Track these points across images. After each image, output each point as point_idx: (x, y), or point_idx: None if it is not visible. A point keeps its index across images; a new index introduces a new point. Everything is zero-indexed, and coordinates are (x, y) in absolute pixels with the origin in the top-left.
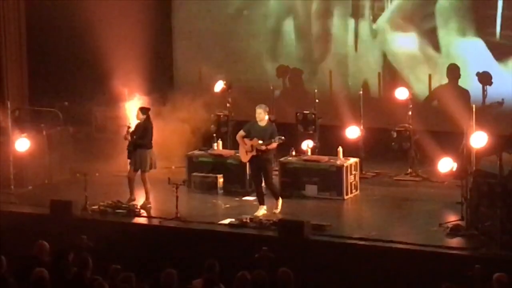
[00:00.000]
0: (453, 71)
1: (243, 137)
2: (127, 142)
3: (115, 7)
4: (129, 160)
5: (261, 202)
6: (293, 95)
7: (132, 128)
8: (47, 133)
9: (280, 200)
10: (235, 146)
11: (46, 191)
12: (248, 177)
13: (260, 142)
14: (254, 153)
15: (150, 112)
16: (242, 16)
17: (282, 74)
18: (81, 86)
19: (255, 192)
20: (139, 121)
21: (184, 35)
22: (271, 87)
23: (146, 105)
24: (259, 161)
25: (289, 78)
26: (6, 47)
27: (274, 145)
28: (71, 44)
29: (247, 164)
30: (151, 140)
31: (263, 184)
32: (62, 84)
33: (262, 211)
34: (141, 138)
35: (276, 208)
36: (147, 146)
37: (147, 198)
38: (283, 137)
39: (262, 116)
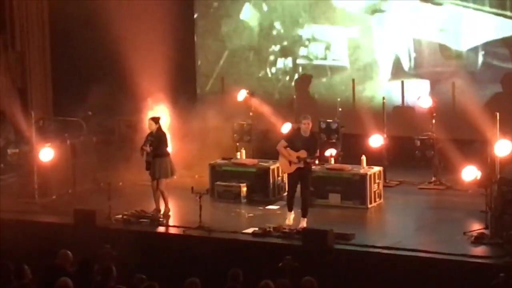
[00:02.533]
0: None
1: (285, 147)
2: (143, 153)
3: (139, 18)
4: (148, 171)
5: (291, 209)
6: (314, 104)
7: (150, 139)
8: (71, 142)
9: (306, 220)
10: (258, 155)
11: (70, 200)
12: (271, 186)
13: (303, 154)
14: (301, 165)
15: (171, 121)
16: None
17: (304, 83)
18: (104, 96)
19: (287, 200)
20: (151, 131)
21: (207, 44)
22: (294, 96)
23: (167, 113)
24: (302, 171)
25: (310, 87)
26: (30, 58)
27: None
28: (95, 54)
29: (288, 174)
30: (167, 147)
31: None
32: (85, 94)
33: (292, 217)
34: (158, 147)
35: (302, 222)
36: (164, 154)
37: (166, 205)
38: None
39: (310, 127)
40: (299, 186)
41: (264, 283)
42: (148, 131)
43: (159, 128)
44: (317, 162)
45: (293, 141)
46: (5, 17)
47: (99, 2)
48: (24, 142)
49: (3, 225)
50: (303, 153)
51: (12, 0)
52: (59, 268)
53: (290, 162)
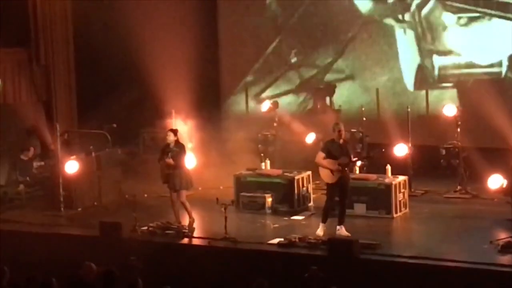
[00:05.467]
0: None
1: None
2: (165, 165)
3: (163, 30)
4: (167, 184)
5: (326, 220)
6: (338, 113)
7: (174, 150)
8: (96, 155)
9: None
10: (283, 165)
11: (95, 212)
12: (296, 197)
13: (344, 160)
14: (344, 172)
15: (192, 132)
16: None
17: (328, 92)
18: (129, 108)
19: (326, 210)
20: (169, 142)
21: (231, 56)
22: (318, 106)
23: (191, 126)
24: (344, 179)
25: (334, 96)
26: (55, 72)
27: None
28: (119, 66)
29: (329, 185)
30: (185, 159)
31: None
32: (110, 106)
33: (324, 229)
34: (179, 159)
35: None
36: (184, 166)
37: (190, 216)
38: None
39: (343, 133)
40: None
41: None
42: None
43: (178, 140)
44: (359, 163)
45: (330, 150)
46: (29, 31)
47: (124, 14)
48: (50, 155)
49: (30, 238)
50: (344, 160)
51: (36, 14)
52: (83, 281)
53: (332, 172)
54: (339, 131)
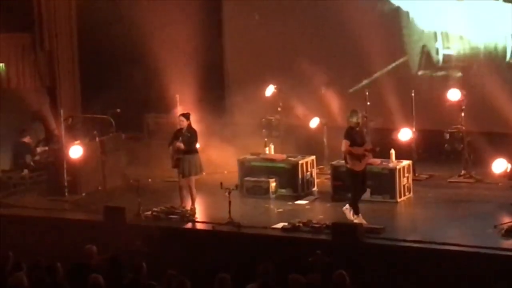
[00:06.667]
0: None
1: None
2: (175, 149)
3: (166, 15)
4: (176, 169)
5: (359, 211)
6: (343, 98)
7: (186, 135)
8: (100, 140)
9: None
10: (287, 150)
11: (99, 197)
12: (300, 181)
13: (368, 146)
14: (370, 157)
15: (197, 117)
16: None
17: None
18: (133, 93)
19: (358, 198)
20: (182, 127)
21: (235, 40)
22: (322, 91)
23: (195, 111)
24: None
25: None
26: (59, 57)
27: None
28: (123, 51)
29: (355, 172)
30: (197, 144)
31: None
32: (114, 91)
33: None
34: (190, 144)
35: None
36: (195, 151)
37: (193, 203)
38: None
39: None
40: None
41: (294, 277)
42: (177, 127)
43: (190, 125)
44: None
45: (354, 138)
46: (33, 16)
47: (128, 0)
48: (54, 140)
49: (34, 223)
50: (368, 146)
51: (40, 0)
52: (87, 265)
53: (360, 159)
54: (361, 118)
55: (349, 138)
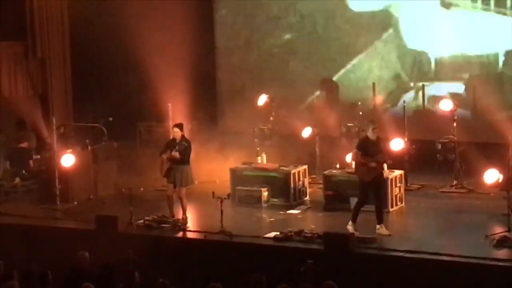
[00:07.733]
0: None
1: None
2: (168, 159)
3: (159, 24)
4: (166, 179)
5: (356, 219)
6: (335, 108)
7: (183, 144)
8: (92, 148)
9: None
10: (279, 159)
11: (91, 206)
12: (292, 191)
13: (380, 157)
14: (380, 168)
15: (189, 126)
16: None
17: (325, 87)
18: (125, 102)
19: (358, 209)
20: (176, 138)
21: (227, 50)
22: (315, 101)
23: (188, 120)
24: (379, 177)
25: (331, 91)
26: (51, 65)
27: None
28: (115, 60)
29: (364, 182)
30: (190, 155)
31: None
32: (106, 99)
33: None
34: (185, 154)
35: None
36: (188, 162)
37: (184, 213)
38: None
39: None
40: None
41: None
42: (170, 137)
43: (184, 135)
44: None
45: (367, 148)
46: (25, 24)
47: (119, 8)
48: (46, 149)
49: (26, 232)
50: (380, 157)
51: (32, 7)
52: (80, 272)
53: (369, 169)
54: (375, 128)
55: (361, 148)
